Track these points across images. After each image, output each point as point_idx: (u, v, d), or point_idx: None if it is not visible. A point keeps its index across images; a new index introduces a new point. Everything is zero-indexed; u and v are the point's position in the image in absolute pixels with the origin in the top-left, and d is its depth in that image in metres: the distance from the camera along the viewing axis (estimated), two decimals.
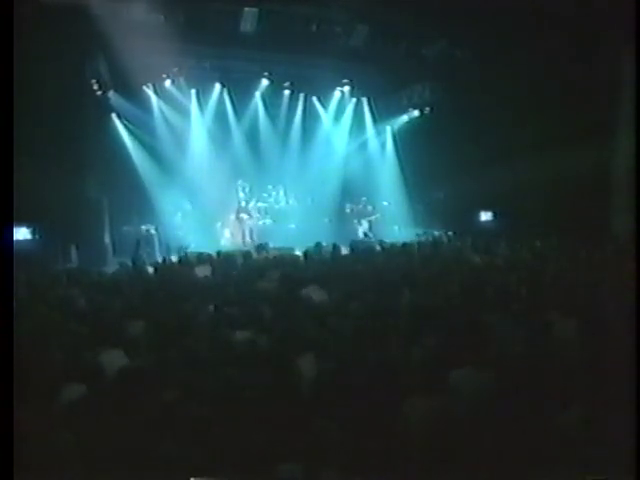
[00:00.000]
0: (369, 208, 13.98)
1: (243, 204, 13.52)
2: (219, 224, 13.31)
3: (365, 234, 13.32)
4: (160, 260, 9.69)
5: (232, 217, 13.32)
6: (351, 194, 14.33)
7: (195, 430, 2.50)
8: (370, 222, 13.82)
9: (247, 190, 13.94)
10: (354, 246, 10.12)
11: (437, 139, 12.64)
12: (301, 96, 13.94)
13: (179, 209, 13.04)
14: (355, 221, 13.87)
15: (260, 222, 13.84)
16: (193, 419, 2.58)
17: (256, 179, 13.94)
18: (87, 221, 11.05)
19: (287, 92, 13.71)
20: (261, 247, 10.32)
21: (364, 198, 14.06)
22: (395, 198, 14.25)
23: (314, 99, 14.18)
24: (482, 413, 2.60)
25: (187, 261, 8.30)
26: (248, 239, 12.92)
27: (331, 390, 2.75)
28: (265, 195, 14.27)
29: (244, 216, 13.36)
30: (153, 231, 12.15)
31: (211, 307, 5.05)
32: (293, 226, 14.20)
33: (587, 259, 6.99)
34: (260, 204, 14.07)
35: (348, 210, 14.22)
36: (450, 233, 12.20)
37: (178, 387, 2.90)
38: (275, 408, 2.63)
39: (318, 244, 9.12)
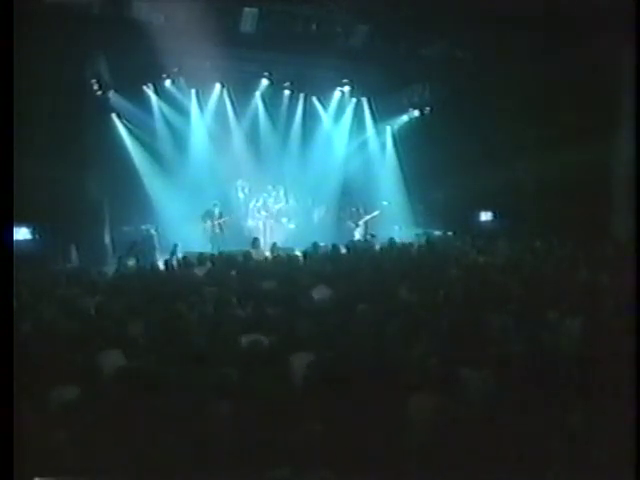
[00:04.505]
0: (361, 212, 13.89)
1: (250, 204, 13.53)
2: (219, 223, 13.28)
3: (372, 235, 13.25)
4: (160, 260, 9.69)
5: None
6: (351, 194, 14.31)
7: (194, 430, 2.50)
8: (366, 223, 13.76)
9: (247, 190, 13.93)
10: (352, 246, 10.11)
11: (437, 139, 12.63)
12: (301, 96, 13.89)
13: (179, 209, 13.01)
14: (352, 225, 13.81)
15: (260, 222, 13.83)
16: (192, 419, 2.58)
17: (256, 179, 13.93)
18: (87, 221, 11.04)
19: (287, 92, 13.66)
20: (256, 243, 10.31)
21: (353, 208, 13.99)
22: (395, 198, 14.22)
23: (314, 99, 14.13)
24: (482, 413, 2.60)
25: (187, 261, 8.29)
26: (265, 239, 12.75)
27: (330, 390, 2.75)
28: (265, 195, 14.26)
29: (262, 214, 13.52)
30: (153, 231, 12.14)
31: (211, 307, 5.06)
32: (293, 226, 14.20)
33: (587, 259, 6.99)
34: (260, 204, 14.07)
35: (347, 212, 14.19)
36: (450, 233, 12.19)
37: (177, 387, 2.90)
38: (275, 408, 2.63)
39: (315, 244, 9.13)
